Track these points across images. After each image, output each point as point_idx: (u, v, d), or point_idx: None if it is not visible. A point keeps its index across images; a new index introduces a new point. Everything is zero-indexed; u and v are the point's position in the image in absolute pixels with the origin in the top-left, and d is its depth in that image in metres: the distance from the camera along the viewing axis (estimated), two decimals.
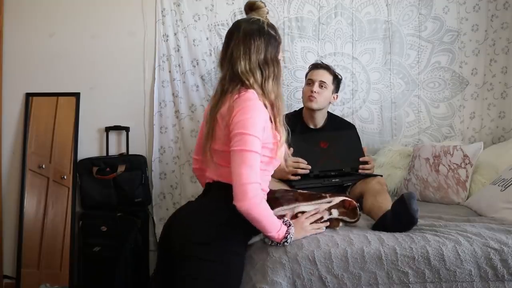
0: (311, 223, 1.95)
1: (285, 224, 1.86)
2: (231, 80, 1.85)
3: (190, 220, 1.80)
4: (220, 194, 1.83)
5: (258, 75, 1.84)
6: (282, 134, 1.87)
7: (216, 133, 1.84)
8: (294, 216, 2.00)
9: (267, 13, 1.95)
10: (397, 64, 3.43)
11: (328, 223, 2.05)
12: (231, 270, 1.76)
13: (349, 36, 3.41)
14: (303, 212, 2.02)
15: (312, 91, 2.83)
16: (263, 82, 1.85)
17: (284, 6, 3.36)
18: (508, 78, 3.42)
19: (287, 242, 1.84)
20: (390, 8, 3.41)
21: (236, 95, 1.80)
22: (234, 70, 1.84)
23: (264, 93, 1.85)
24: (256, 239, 1.95)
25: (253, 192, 1.71)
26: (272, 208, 2.08)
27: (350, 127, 3.07)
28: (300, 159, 2.65)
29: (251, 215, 1.72)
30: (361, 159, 2.77)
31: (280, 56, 1.95)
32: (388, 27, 3.42)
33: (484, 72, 3.45)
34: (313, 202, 2.07)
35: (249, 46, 1.84)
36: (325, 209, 2.04)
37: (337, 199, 2.08)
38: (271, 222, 1.81)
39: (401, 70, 3.44)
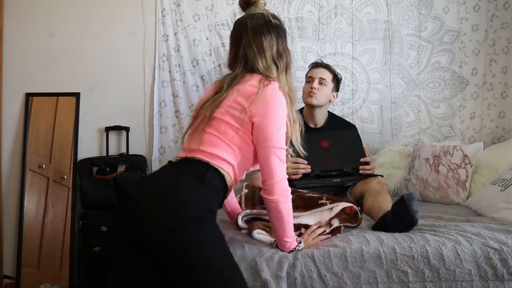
0: (313, 238, 1.97)
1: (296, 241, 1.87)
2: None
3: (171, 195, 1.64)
4: (197, 171, 1.70)
5: (274, 70, 1.83)
6: (293, 126, 1.86)
7: (226, 101, 1.77)
8: (297, 229, 2.00)
9: (265, 4, 1.93)
10: (397, 64, 3.43)
11: (330, 236, 2.05)
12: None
13: (349, 36, 3.41)
14: (305, 226, 2.02)
15: (312, 88, 2.86)
16: (278, 75, 1.83)
17: (284, 6, 3.36)
18: (508, 78, 3.42)
19: (296, 251, 1.85)
20: (390, 8, 3.41)
21: (265, 81, 1.77)
22: (250, 71, 1.83)
23: (280, 86, 1.83)
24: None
25: (285, 187, 1.74)
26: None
27: (351, 127, 3.08)
28: (300, 159, 2.65)
29: (280, 209, 1.73)
30: (361, 159, 2.77)
31: (288, 44, 1.94)
32: (388, 27, 3.42)
33: (484, 72, 3.45)
34: (314, 211, 2.06)
35: (261, 43, 1.82)
36: (327, 222, 2.04)
37: (337, 208, 2.07)
38: (291, 225, 1.81)
39: (401, 70, 3.44)
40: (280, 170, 1.73)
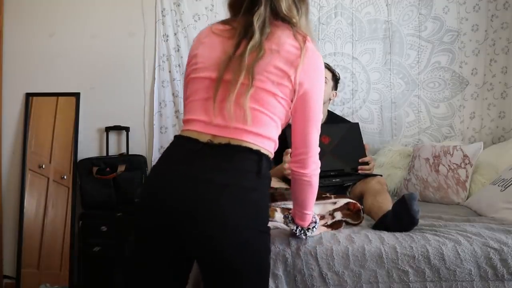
0: None
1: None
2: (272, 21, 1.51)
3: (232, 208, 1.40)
4: (252, 165, 1.45)
5: (295, 12, 1.54)
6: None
7: (263, 64, 1.45)
8: None
9: None
10: (397, 64, 3.43)
11: (330, 229, 2.06)
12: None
13: (349, 36, 3.41)
14: None
15: None
16: (299, 21, 1.55)
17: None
18: (508, 78, 3.42)
19: (311, 231, 1.78)
20: (390, 8, 3.41)
21: (301, 37, 1.49)
22: (274, 10, 1.51)
23: None
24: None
25: (318, 159, 1.61)
26: (276, 201, 2.10)
27: (353, 123, 3.06)
28: None
29: (311, 183, 1.59)
30: (361, 159, 2.77)
31: None
32: (388, 27, 3.42)
33: (484, 72, 3.45)
34: (318, 202, 2.08)
35: None
36: (329, 213, 2.06)
37: (342, 202, 2.09)
38: (315, 198, 1.68)
39: (401, 70, 3.44)
40: (317, 142, 1.57)
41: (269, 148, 1.50)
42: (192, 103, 1.53)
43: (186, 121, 1.53)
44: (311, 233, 1.79)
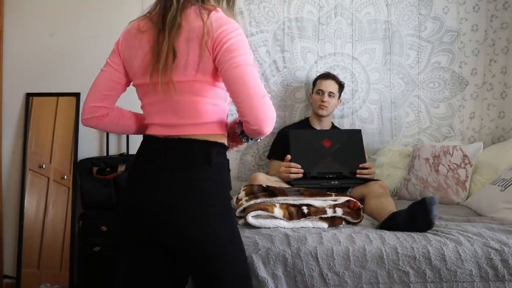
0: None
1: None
2: None
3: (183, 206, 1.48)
4: (201, 156, 1.51)
5: None
6: None
7: (179, 61, 1.47)
8: (299, 208, 2.04)
9: None
10: (397, 64, 3.44)
11: (328, 222, 2.07)
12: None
13: (349, 36, 3.41)
14: (308, 205, 2.05)
15: (323, 101, 3.09)
16: (219, 1, 1.57)
17: (284, 6, 3.36)
18: (508, 78, 3.42)
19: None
20: (390, 8, 3.41)
21: (205, 13, 1.48)
22: None
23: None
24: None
25: (271, 104, 1.47)
26: (276, 196, 2.11)
27: (355, 130, 3.11)
28: (293, 164, 2.71)
29: (267, 132, 1.48)
30: (361, 165, 2.79)
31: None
32: (388, 27, 3.42)
33: (483, 72, 3.45)
34: (318, 198, 2.10)
35: None
36: (329, 206, 2.07)
37: (343, 199, 2.12)
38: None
39: (401, 70, 3.44)
40: (261, 86, 1.49)
41: (219, 131, 1.55)
42: (144, 107, 1.62)
43: (147, 125, 1.63)
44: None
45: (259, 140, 1.65)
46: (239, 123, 1.61)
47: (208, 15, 1.47)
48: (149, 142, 1.58)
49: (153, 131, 1.57)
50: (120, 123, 1.72)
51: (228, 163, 1.59)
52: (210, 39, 1.44)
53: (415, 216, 2.01)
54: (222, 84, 1.51)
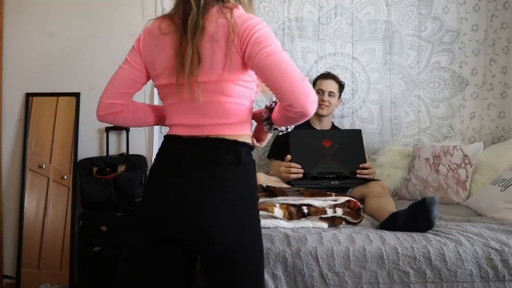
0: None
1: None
2: None
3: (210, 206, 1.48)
4: (230, 156, 1.51)
5: None
6: None
7: (205, 63, 1.47)
8: (299, 208, 2.04)
9: None
10: (397, 64, 3.44)
11: (328, 222, 2.07)
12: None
13: (349, 36, 3.41)
14: (308, 205, 2.05)
15: (323, 100, 3.09)
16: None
17: (284, 6, 3.36)
18: (508, 78, 3.42)
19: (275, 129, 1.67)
20: (390, 8, 3.41)
21: (227, 12, 1.48)
22: None
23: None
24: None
25: (310, 86, 1.44)
26: (276, 196, 2.11)
27: (355, 130, 3.11)
28: (293, 164, 2.71)
29: (311, 113, 1.45)
30: (361, 165, 2.79)
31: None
32: (388, 27, 3.42)
33: (484, 72, 3.45)
34: (319, 198, 2.10)
35: None
36: (330, 206, 2.07)
37: (343, 199, 2.12)
38: None
39: (401, 70, 3.44)
40: (297, 71, 1.48)
41: (246, 131, 1.57)
42: (167, 108, 1.61)
43: (169, 126, 1.62)
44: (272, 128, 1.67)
45: (283, 130, 1.65)
46: (268, 107, 1.62)
47: (231, 13, 1.47)
48: (172, 142, 1.57)
49: (176, 131, 1.57)
50: (136, 117, 1.72)
51: (254, 164, 1.59)
52: (236, 37, 1.44)
53: (416, 216, 2.01)
54: (247, 84, 1.53)
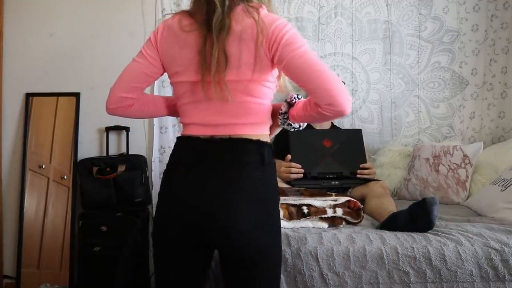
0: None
1: None
2: None
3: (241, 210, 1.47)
4: (254, 155, 1.51)
5: None
6: None
7: (231, 62, 1.46)
8: (299, 208, 2.04)
9: None
10: (397, 64, 3.43)
11: (328, 222, 2.07)
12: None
13: (349, 36, 3.41)
14: (308, 205, 2.05)
15: None
16: None
17: (284, 6, 3.36)
18: (508, 78, 3.42)
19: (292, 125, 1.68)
20: (390, 8, 3.41)
21: (253, 11, 1.47)
22: None
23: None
24: None
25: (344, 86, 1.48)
26: None
27: (356, 129, 3.09)
28: (293, 164, 2.70)
29: (348, 112, 1.46)
30: (361, 165, 2.79)
31: None
32: (388, 27, 3.42)
33: (484, 72, 3.45)
34: (319, 198, 2.10)
35: None
36: (329, 206, 2.08)
37: (343, 199, 2.12)
38: None
39: (401, 70, 3.44)
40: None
41: (266, 131, 1.57)
42: (183, 106, 1.57)
43: (184, 125, 1.59)
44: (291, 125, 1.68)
45: (297, 126, 1.65)
46: (288, 102, 1.62)
47: (257, 13, 1.46)
48: (192, 142, 1.54)
49: (194, 131, 1.54)
50: (147, 110, 1.69)
51: (275, 164, 1.58)
52: (264, 39, 1.44)
53: (416, 217, 2.01)
54: (270, 84, 1.53)
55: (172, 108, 1.73)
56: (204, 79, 1.46)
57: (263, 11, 1.49)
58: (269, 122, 1.60)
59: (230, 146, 1.49)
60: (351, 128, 3.40)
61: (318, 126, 3.16)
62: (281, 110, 1.63)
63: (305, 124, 1.67)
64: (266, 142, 1.54)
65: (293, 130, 1.67)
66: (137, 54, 1.59)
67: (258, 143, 1.51)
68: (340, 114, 1.44)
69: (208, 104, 1.50)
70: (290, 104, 1.62)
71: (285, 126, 1.65)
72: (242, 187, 1.47)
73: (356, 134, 2.93)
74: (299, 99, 1.62)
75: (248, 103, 1.50)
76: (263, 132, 1.56)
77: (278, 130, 1.73)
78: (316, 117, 1.51)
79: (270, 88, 1.54)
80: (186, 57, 1.50)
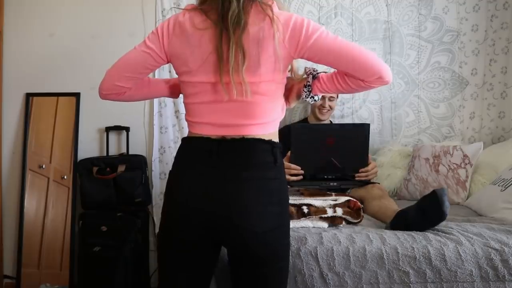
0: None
1: None
2: None
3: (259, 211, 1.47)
4: (268, 156, 1.50)
5: None
6: None
7: (250, 61, 1.43)
8: (299, 208, 2.04)
9: None
10: (397, 64, 3.43)
11: (328, 222, 2.07)
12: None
13: (349, 36, 3.41)
14: (308, 205, 2.05)
15: (324, 106, 3.08)
16: None
17: (284, 6, 3.35)
18: (508, 78, 3.42)
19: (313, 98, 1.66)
20: (390, 8, 3.41)
21: (268, 8, 1.45)
22: None
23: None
24: None
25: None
26: None
27: (363, 124, 2.95)
28: (293, 166, 2.65)
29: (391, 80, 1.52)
30: (361, 170, 2.74)
31: None
32: (388, 27, 3.42)
33: (484, 72, 3.45)
34: (319, 198, 2.11)
35: None
36: (330, 206, 2.08)
37: (343, 199, 2.12)
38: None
39: (401, 70, 3.44)
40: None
41: (276, 129, 1.57)
42: (194, 105, 1.54)
43: (193, 123, 1.55)
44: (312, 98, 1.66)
45: (316, 99, 1.65)
46: (314, 75, 1.62)
47: (271, 10, 1.45)
48: (203, 142, 1.50)
49: (205, 131, 1.51)
50: (140, 93, 1.68)
51: (283, 164, 1.59)
52: (283, 35, 1.44)
53: (427, 210, 2.00)
54: (283, 84, 1.54)
55: (173, 89, 1.73)
56: (224, 80, 1.43)
57: (275, 8, 1.48)
58: (279, 120, 1.59)
59: (244, 147, 1.48)
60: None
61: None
62: (308, 82, 1.61)
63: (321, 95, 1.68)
64: (277, 142, 1.54)
65: (313, 101, 1.66)
66: (140, 44, 1.56)
67: (271, 143, 1.50)
68: (386, 83, 1.50)
69: (223, 105, 1.47)
70: (314, 77, 1.62)
71: (308, 99, 1.63)
72: (257, 188, 1.46)
73: (362, 130, 2.76)
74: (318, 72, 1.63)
75: (263, 103, 1.49)
76: (274, 131, 1.55)
77: (295, 104, 1.71)
78: (354, 89, 1.54)
79: (283, 87, 1.55)
80: (199, 57, 1.46)
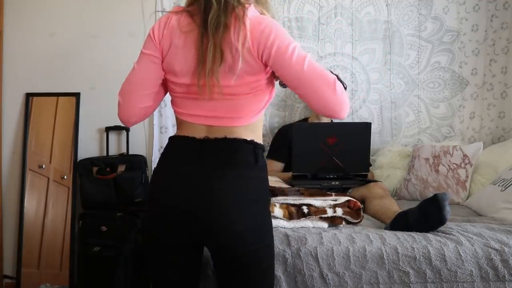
0: None
1: None
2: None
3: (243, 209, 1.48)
4: (249, 155, 1.52)
5: None
6: None
7: (226, 64, 1.45)
8: (299, 208, 2.04)
9: None
10: (397, 64, 3.43)
11: (328, 222, 2.08)
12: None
13: (349, 36, 3.41)
14: (308, 205, 2.05)
15: None
16: None
17: (284, 6, 3.36)
18: (508, 78, 3.42)
19: None
20: (390, 8, 3.41)
21: (241, 11, 1.45)
22: None
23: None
24: None
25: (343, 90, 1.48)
26: (276, 196, 2.11)
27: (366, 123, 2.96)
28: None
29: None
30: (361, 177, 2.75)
31: None
32: (388, 27, 3.42)
33: (484, 72, 3.45)
34: (319, 198, 2.11)
35: None
36: (330, 206, 2.08)
37: (343, 199, 2.12)
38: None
39: (401, 70, 3.44)
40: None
41: (260, 131, 1.58)
42: (178, 99, 1.57)
43: (180, 113, 1.57)
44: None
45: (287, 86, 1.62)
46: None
47: (243, 12, 1.44)
48: (187, 142, 1.53)
49: (191, 132, 1.53)
50: (157, 103, 1.68)
51: (266, 165, 1.59)
52: (250, 42, 1.43)
53: (428, 214, 2.01)
54: (266, 87, 1.53)
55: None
56: (200, 82, 1.45)
57: (250, 9, 1.47)
58: (262, 122, 1.61)
59: (226, 147, 1.49)
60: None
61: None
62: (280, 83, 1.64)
63: None
64: (259, 143, 1.55)
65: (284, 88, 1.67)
66: (138, 59, 1.58)
67: (253, 143, 1.52)
68: (336, 118, 1.49)
69: (205, 102, 1.50)
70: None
71: (280, 85, 1.66)
72: (236, 186, 1.47)
73: (364, 129, 2.78)
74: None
75: (243, 99, 1.50)
76: (257, 132, 1.56)
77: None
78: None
79: (266, 91, 1.53)
80: (184, 58, 1.49)
